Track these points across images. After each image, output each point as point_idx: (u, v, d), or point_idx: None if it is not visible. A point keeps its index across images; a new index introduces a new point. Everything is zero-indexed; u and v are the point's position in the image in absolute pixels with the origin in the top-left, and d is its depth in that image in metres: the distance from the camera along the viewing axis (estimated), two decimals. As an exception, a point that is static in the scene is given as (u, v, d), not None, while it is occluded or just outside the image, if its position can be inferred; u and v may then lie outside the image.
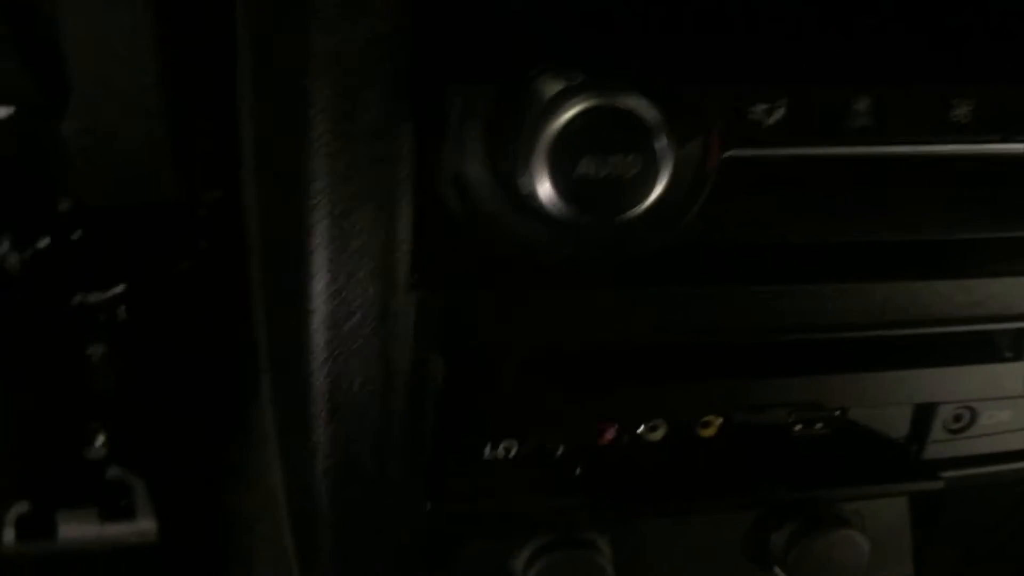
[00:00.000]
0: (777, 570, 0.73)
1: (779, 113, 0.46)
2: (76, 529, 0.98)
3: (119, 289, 1.05)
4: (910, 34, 0.47)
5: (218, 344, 1.04)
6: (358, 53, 0.42)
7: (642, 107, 0.42)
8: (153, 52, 0.66)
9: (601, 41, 0.45)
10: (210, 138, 0.78)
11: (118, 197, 0.82)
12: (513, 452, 0.62)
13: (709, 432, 0.65)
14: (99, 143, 0.73)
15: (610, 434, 0.64)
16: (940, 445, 0.67)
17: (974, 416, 0.67)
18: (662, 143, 0.42)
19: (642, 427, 0.64)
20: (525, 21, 0.44)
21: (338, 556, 0.65)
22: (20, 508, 0.99)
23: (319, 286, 0.47)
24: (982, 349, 0.65)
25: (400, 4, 0.42)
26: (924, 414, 0.67)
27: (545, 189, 0.42)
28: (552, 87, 0.43)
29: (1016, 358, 0.65)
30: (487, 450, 0.61)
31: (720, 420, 0.64)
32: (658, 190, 0.43)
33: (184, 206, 0.99)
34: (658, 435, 0.64)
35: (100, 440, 1.03)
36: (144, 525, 0.98)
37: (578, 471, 0.63)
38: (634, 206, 0.43)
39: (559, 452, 0.63)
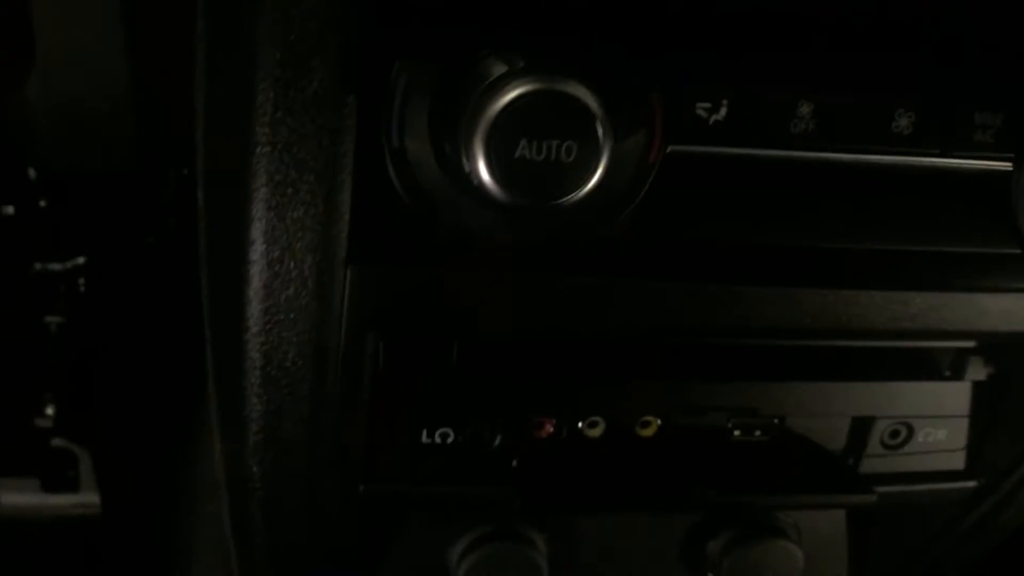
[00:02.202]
0: (711, 577, 0.73)
1: (722, 112, 0.47)
2: (18, 498, 0.97)
3: (80, 261, 1.04)
4: (858, 43, 0.48)
5: (176, 321, 1.04)
6: (308, 21, 0.43)
7: (583, 94, 0.42)
8: (120, 18, 0.66)
9: (550, 27, 0.45)
10: (180, 114, 0.78)
11: (83, 165, 0.82)
12: (450, 439, 0.62)
13: (648, 432, 0.65)
14: (64, 109, 0.73)
15: (549, 428, 0.64)
16: (876, 460, 0.68)
17: (911, 433, 0.67)
18: (601, 131, 0.43)
19: (581, 423, 0.64)
20: (477, 3, 0.44)
21: (270, 535, 0.65)
22: (-37, 473, 0.99)
23: (256, 255, 0.47)
24: (922, 367, 0.66)
25: None
26: (861, 428, 0.67)
27: (483, 170, 0.42)
28: (495, 69, 0.43)
29: (955, 377, 0.66)
30: (423, 435, 0.61)
31: (659, 421, 0.65)
32: (596, 178, 0.43)
33: (153, 181, 0.99)
34: (597, 432, 0.64)
35: (50, 410, 1.02)
36: (87, 497, 0.98)
37: (514, 463, 0.63)
38: (571, 192, 0.43)
39: (496, 443, 0.63)
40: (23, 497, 0.97)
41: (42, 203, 1.02)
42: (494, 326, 0.52)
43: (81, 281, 1.06)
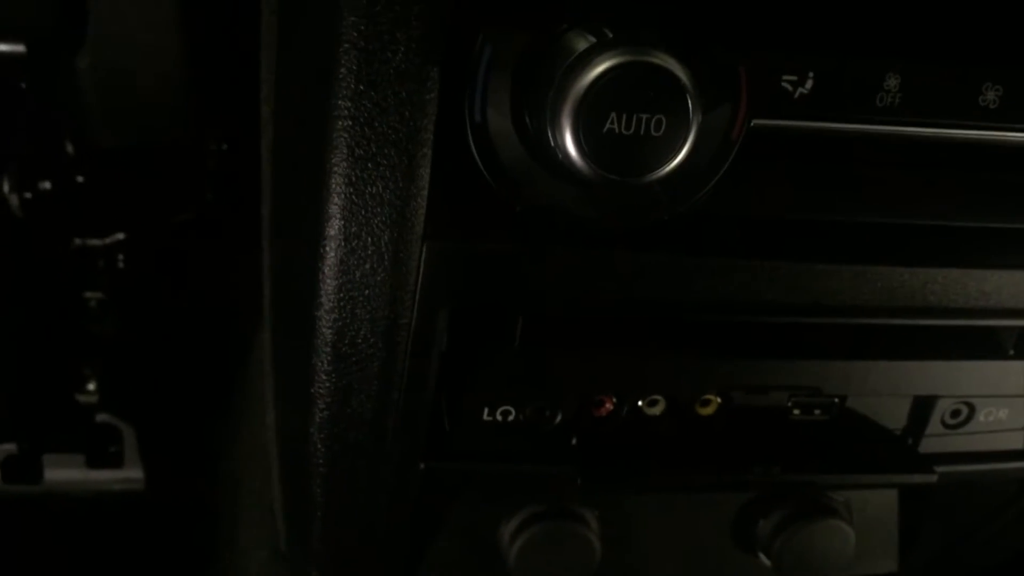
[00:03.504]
0: (762, 556, 0.73)
1: (808, 85, 0.46)
2: (62, 473, 0.97)
3: (119, 236, 1.04)
4: (945, 16, 0.47)
5: (215, 297, 1.03)
6: None
7: (673, 66, 0.42)
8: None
9: (636, -1, 0.44)
10: (223, 90, 0.78)
11: (128, 137, 0.81)
12: (511, 417, 0.61)
13: (708, 411, 0.65)
14: (112, 80, 0.72)
15: (609, 406, 0.63)
16: (936, 439, 0.67)
17: (972, 412, 0.67)
18: (691, 104, 0.42)
19: (641, 401, 0.64)
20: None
21: (327, 512, 0.65)
22: (8, 449, 0.99)
23: (333, 230, 0.47)
24: (985, 345, 0.65)
25: None
26: (923, 407, 0.66)
27: (570, 145, 0.42)
28: (583, 41, 0.42)
29: (1018, 356, 0.65)
30: (484, 413, 0.61)
31: (719, 399, 0.64)
32: (683, 153, 0.43)
33: (191, 157, 0.99)
34: (657, 410, 0.64)
35: (92, 386, 1.03)
36: (131, 473, 0.98)
37: (574, 441, 0.63)
38: (659, 167, 0.42)
39: (556, 421, 0.62)
40: (67, 473, 0.97)
41: (79, 179, 1.01)
42: (570, 303, 0.52)
43: (121, 257, 1.06)
